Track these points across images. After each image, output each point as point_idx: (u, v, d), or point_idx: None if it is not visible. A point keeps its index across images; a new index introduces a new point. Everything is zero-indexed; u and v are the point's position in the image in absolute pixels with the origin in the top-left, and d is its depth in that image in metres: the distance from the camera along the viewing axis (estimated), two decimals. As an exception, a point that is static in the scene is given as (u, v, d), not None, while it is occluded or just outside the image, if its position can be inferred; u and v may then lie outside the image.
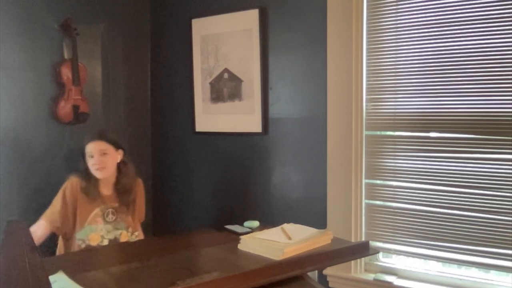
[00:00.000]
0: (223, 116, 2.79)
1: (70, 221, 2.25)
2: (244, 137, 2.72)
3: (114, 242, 2.28)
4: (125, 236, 2.34)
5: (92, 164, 2.27)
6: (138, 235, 2.44)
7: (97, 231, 2.26)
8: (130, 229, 2.37)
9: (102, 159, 2.27)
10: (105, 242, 2.26)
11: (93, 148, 2.28)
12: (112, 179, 2.35)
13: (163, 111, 3.11)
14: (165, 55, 3.07)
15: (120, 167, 2.36)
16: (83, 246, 2.23)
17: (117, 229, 2.32)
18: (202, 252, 1.92)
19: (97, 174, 2.27)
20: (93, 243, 2.24)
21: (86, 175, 2.29)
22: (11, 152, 2.50)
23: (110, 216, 2.31)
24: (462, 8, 2.08)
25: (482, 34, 2.04)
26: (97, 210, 2.28)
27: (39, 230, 2.22)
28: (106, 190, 2.34)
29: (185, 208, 3.02)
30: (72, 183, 2.28)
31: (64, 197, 2.25)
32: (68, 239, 2.28)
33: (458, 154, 2.13)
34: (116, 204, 2.34)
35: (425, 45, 2.18)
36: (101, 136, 2.33)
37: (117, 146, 2.34)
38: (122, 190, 2.36)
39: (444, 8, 2.12)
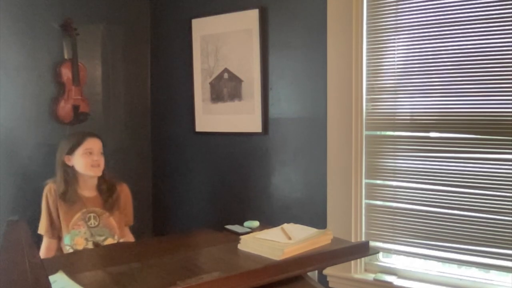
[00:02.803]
0: (223, 116, 2.79)
1: (58, 226, 2.24)
2: (244, 137, 2.72)
3: (97, 246, 2.23)
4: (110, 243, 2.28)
5: (90, 161, 2.23)
6: (127, 239, 2.40)
7: (80, 234, 2.22)
8: (116, 237, 2.31)
9: (100, 157, 2.27)
10: (90, 244, 2.22)
11: (93, 145, 2.26)
12: (95, 181, 2.32)
13: (163, 111, 3.11)
14: (165, 55, 3.07)
15: None
16: (71, 251, 2.19)
17: (100, 235, 2.26)
18: (202, 252, 1.91)
19: (93, 171, 2.25)
20: (79, 247, 2.20)
21: (65, 179, 2.24)
22: (11, 152, 2.50)
23: (92, 221, 2.26)
24: (462, 8, 2.08)
25: (482, 34, 2.04)
26: (78, 215, 2.24)
27: (50, 246, 2.24)
28: (88, 192, 2.30)
29: (185, 208, 3.02)
30: (50, 190, 2.24)
31: (47, 204, 2.23)
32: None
33: (458, 154, 2.13)
34: (98, 209, 2.29)
35: (425, 45, 2.18)
36: (96, 134, 2.32)
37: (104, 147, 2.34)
38: (105, 189, 2.32)
39: (444, 8, 2.12)
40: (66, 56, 2.67)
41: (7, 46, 2.47)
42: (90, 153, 2.25)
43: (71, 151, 2.26)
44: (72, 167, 2.26)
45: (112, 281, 1.58)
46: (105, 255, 2.05)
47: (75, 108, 2.67)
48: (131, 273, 1.63)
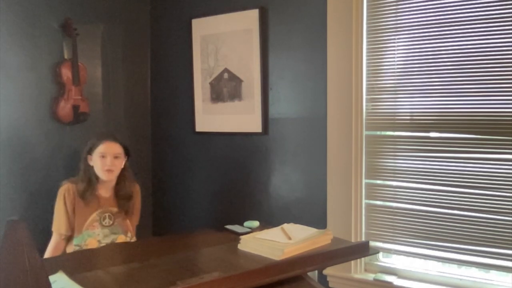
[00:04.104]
0: (223, 116, 2.79)
1: (73, 227, 2.24)
2: (244, 137, 2.72)
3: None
4: (122, 240, 2.30)
5: (103, 165, 2.23)
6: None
7: (94, 236, 2.24)
8: (129, 234, 2.34)
9: (114, 161, 2.26)
10: None
11: (108, 149, 2.25)
12: (113, 183, 2.33)
13: (163, 111, 3.11)
14: (165, 55, 3.07)
15: (122, 172, 2.34)
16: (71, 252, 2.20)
17: (114, 233, 2.29)
18: (202, 252, 1.91)
19: (104, 175, 2.25)
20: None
21: (86, 177, 2.26)
22: (11, 152, 2.50)
23: (107, 220, 2.28)
24: (462, 8, 2.08)
25: (482, 34, 2.04)
26: (94, 215, 2.25)
27: (58, 245, 2.25)
28: (105, 192, 2.31)
29: (185, 208, 3.02)
30: (68, 189, 2.25)
31: (64, 204, 2.23)
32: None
33: (458, 154, 2.13)
34: (114, 208, 2.31)
35: (425, 45, 2.18)
36: (116, 138, 2.31)
37: (126, 151, 2.33)
38: (123, 195, 2.33)
39: (444, 8, 2.12)
40: (66, 56, 2.67)
41: (7, 47, 2.47)
42: (103, 157, 2.24)
43: (90, 151, 2.27)
44: (92, 167, 2.27)
45: (112, 281, 1.58)
46: (105, 255, 2.05)
47: (75, 108, 2.67)
48: (131, 273, 1.63)
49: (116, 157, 2.27)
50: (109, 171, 2.25)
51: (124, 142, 2.35)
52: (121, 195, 2.34)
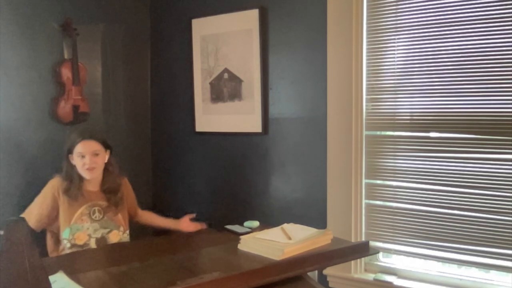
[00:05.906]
0: (223, 116, 2.79)
1: (48, 220, 2.22)
2: (244, 137, 2.72)
3: (101, 241, 2.23)
4: (116, 235, 2.29)
5: (82, 164, 2.22)
6: (149, 215, 2.49)
7: (83, 230, 2.22)
8: (121, 228, 2.32)
9: (94, 159, 2.24)
10: (92, 241, 2.22)
11: (85, 148, 2.23)
12: (99, 178, 2.32)
13: (163, 111, 3.11)
14: (165, 55, 3.07)
15: (106, 166, 2.33)
16: (68, 245, 2.19)
17: (104, 227, 2.27)
18: (202, 252, 1.92)
19: (86, 174, 2.24)
20: (80, 242, 2.20)
21: (69, 176, 2.25)
22: (11, 152, 2.50)
23: (97, 214, 2.26)
24: (462, 8, 2.08)
25: (482, 34, 2.04)
26: (82, 209, 2.24)
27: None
28: (92, 187, 2.30)
29: (185, 208, 3.01)
30: (53, 185, 2.24)
31: (44, 198, 2.23)
32: (54, 233, 2.26)
33: (458, 154, 2.13)
34: (103, 202, 2.30)
35: (425, 45, 2.18)
36: (93, 135, 2.28)
37: (106, 146, 2.32)
38: (109, 190, 2.32)
39: (444, 8, 2.12)
40: (66, 56, 2.67)
41: (7, 46, 2.47)
42: (83, 156, 2.23)
43: (70, 151, 2.26)
44: (75, 166, 2.26)
45: (112, 281, 1.59)
46: (105, 255, 2.05)
47: (75, 108, 2.67)
48: (131, 273, 1.63)
49: (95, 154, 2.25)
50: (90, 169, 2.24)
51: (103, 137, 2.32)
52: (107, 189, 2.32)
